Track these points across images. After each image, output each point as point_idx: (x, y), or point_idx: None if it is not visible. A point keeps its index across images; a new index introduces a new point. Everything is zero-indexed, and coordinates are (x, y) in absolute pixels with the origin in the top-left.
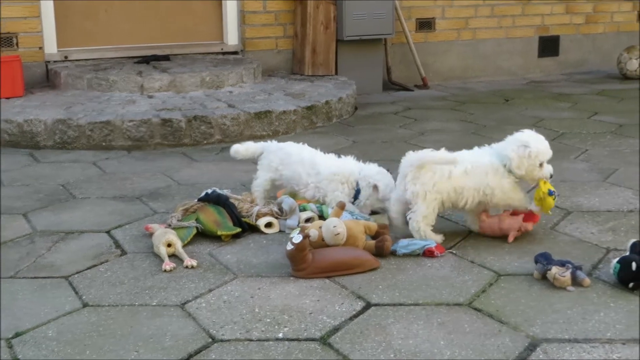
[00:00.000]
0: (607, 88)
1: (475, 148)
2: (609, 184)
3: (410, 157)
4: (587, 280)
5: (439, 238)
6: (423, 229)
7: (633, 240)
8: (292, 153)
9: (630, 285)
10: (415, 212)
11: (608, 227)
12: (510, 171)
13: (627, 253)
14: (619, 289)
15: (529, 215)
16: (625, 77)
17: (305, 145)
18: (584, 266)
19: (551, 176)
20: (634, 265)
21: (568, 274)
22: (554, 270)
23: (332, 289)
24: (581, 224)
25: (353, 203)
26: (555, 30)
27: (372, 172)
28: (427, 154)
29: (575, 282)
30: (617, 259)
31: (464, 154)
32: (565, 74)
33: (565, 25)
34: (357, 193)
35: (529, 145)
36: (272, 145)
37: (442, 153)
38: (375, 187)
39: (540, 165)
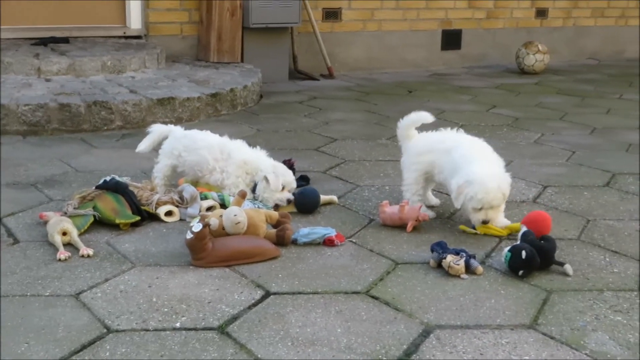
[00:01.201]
0: (506, 82)
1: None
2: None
3: None
4: (480, 269)
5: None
6: None
7: (524, 229)
8: (197, 139)
9: (520, 273)
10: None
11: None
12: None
13: (518, 242)
14: (510, 277)
15: None
16: (523, 71)
17: (209, 132)
18: (477, 255)
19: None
20: (524, 253)
21: (462, 262)
22: (449, 258)
23: (232, 278)
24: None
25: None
26: (458, 25)
27: (266, 165)
28: None
29: (469, 270)
30: (509, 247)
31: None
32: (467, 67)
33: (467, 20)
34: (254, 186)
35: (473, 188)
36: (177, 131)
37: None
38: (265, 179)
39: (480, 209)
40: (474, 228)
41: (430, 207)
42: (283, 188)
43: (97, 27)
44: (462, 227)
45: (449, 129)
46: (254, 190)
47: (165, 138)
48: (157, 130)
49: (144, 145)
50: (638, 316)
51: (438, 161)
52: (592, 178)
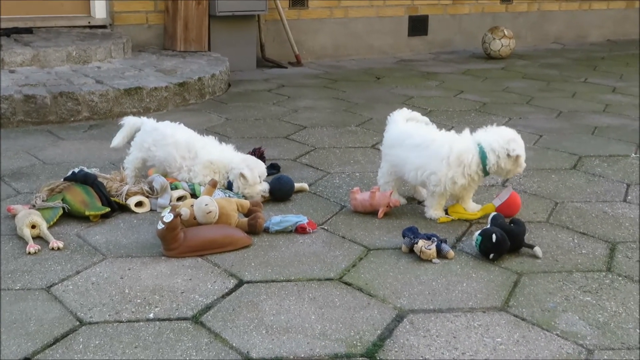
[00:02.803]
0: (472, 67)
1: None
2: None
3: None
4: (451, 253)
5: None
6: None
7: (494, 213)
8: (166, 135)
9: (491, 256)
10: None
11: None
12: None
13: (488, 226)
14: (481, 260)
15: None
16: (489, 56)
17: (182, 125)
18: (448, 239)
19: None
20: (494, 237)
21: (433, 247)
22: (421, 243)
23: (205, 268)
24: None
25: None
26: (424, 10)
27: (237, 161)
28: None
29: (440, 254)
30: (479, 231)
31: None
32: (433, 53)
33: (433, 6)
34: (229, 184)
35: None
36: (148, 124)
37: None
38: (242, 175)
39: (517, 158)
40: (446, 212)
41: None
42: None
43: (61, 17)
44: (441, 219)
45: (424, 123)
46: (229, 188)
47: (137, 130)
48: (128, 123)
49: (117, 140)
50: (607, 296)
51: (405, 156)
52: (559, 161)
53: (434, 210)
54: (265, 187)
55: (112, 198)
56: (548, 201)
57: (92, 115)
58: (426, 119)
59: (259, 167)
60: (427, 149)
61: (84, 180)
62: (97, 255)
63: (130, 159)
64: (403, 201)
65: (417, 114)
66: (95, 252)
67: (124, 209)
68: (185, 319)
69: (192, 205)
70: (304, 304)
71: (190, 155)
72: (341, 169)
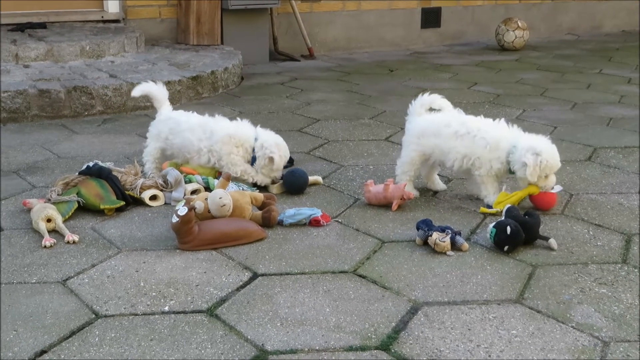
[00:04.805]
0: (486, 59)
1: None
2: None
3: None
4: (466, 245)
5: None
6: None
7: (508, 205)
8: (181, 121)
9: (506, 248)
10: None
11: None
12: (513, 172)
13: (503, 218)
14: (495, 253)
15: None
16: (503, 48)
17: (194, 113)
18: (462, 231)
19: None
20: (508, 229)
21: (448, 239)
22: (435, 236)
23: (219, 261)
24: (460, 191)
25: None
26: (436, 2)
27: (270, 143)
28: None
29: (455, 247)
30: (493, 223)
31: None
32: (446, 45)
33: None
34: (253, 160)
35: (542, 155)
36: (162, 113)
37: None
38: (270, 159)
39: (546, 176)
40: (490, 207)
41: (436, 191)
42: None
43: (75, 11)
44: (482, 209)
45: (451, 110)
46: (252, 163)
47: (154, 98)
48: (151, 88)
49: (138, 91)
50: (622, 288)
51: (444, 146)
52: (574, 153)
53: (492, 195)
54: (279, 175)
55: (126, 192)
56: (563, 193)
57: (106, 109)
58: (448, 103)
59: (287, 156)
60: (474, 137)
61: (98, 174)
62: (112, 249)
63: (148, 150)
64: (416, 193)
65: (438, 98)
66: (111, 245)
67: (138, 202)
68: (200, 311)
69: (206, 199)
70: (318, 297)
71: (206, 135)
72: (355, 161)
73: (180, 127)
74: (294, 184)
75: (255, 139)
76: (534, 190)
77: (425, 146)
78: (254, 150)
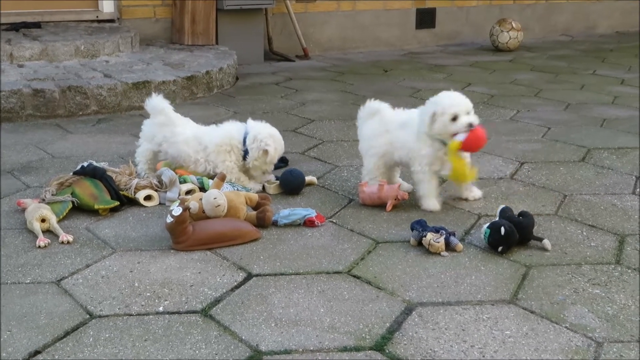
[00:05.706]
0: (480, 60)
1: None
2: (480, 152)
3: None
4: (460, 246)
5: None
6: None
7: (502, 206)
8: (176, 132)
9: (500, 249)
10: None
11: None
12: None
13: (497, 218)
14: (489, 253)
15: None
16: (497, 49)
17: (189, 120)
18: (456, 232)
19: (471, 125)
20: (502, 230)
21: (442, 239)
22: (429, 236)
23: (213, 261)
24: (455, 192)
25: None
26: (431, 3)
27: (264, 135)
28: None
29: (449, 247)
30: (488, 224)
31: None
32: (441, 46)
33: None
34: (245, 154)
35: (435, 103)
36: (157, 117)
37: None
38: (265, 152)
39: (454, 119)
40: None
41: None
42: None
43: (69, 11)
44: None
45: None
46: (244, 157)
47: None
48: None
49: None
50: (616, 289)
51: (395, 139)
52: (568, 153)
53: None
54: (271, 177)
55: (121, 192)
56: (557, 194)
57: (101, 109)
58: (386, 105)
59: (282, 148)
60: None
61: (92, 174)
62: (107, 249)
63: (140, 150)
64: (408, 187)
65: (379, 103)
66: (105, 245)
67: (132, 202)
68: (194, 312)
69: (200, 199)
70: (312, 297)
71: (202, 147)
72: (349, 162)
73: (175, 138)
74: (291, 183)
75: (246, 133)
76: (453, 144)
77: (378, 147)
78: (244, 144)
